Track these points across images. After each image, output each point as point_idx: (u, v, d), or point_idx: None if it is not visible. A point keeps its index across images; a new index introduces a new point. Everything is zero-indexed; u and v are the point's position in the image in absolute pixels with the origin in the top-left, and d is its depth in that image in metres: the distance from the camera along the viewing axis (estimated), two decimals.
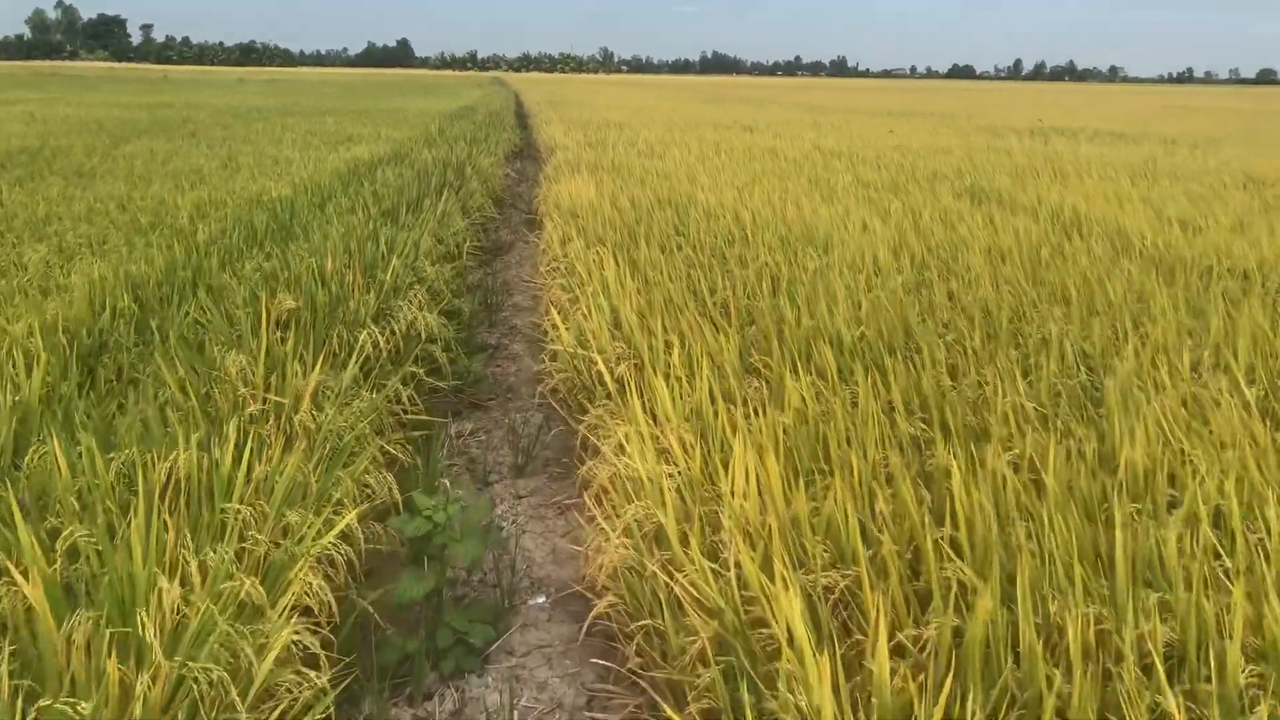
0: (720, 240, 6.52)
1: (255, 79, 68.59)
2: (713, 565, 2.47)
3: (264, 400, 3.68)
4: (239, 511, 2.78)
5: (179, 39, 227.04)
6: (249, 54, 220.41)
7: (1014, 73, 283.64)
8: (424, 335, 5.08)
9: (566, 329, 4.56)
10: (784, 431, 3.10)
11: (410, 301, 5.54)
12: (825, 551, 2.51)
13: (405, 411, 4.54)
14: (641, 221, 7.39)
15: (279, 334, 4.50)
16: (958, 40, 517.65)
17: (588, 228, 7.15)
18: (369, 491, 3.50)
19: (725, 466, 2.89)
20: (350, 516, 2.95)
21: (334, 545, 2.85)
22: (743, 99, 41.56)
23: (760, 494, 2.73)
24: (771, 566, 2.34)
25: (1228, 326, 4.21)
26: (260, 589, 2.47)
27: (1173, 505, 2.74)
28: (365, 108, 27.39)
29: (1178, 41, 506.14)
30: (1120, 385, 3.42)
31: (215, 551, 2.56)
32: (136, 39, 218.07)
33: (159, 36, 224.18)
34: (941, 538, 2.50)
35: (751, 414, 3.33)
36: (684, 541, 2.60)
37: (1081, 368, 3.73)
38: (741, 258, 5.96)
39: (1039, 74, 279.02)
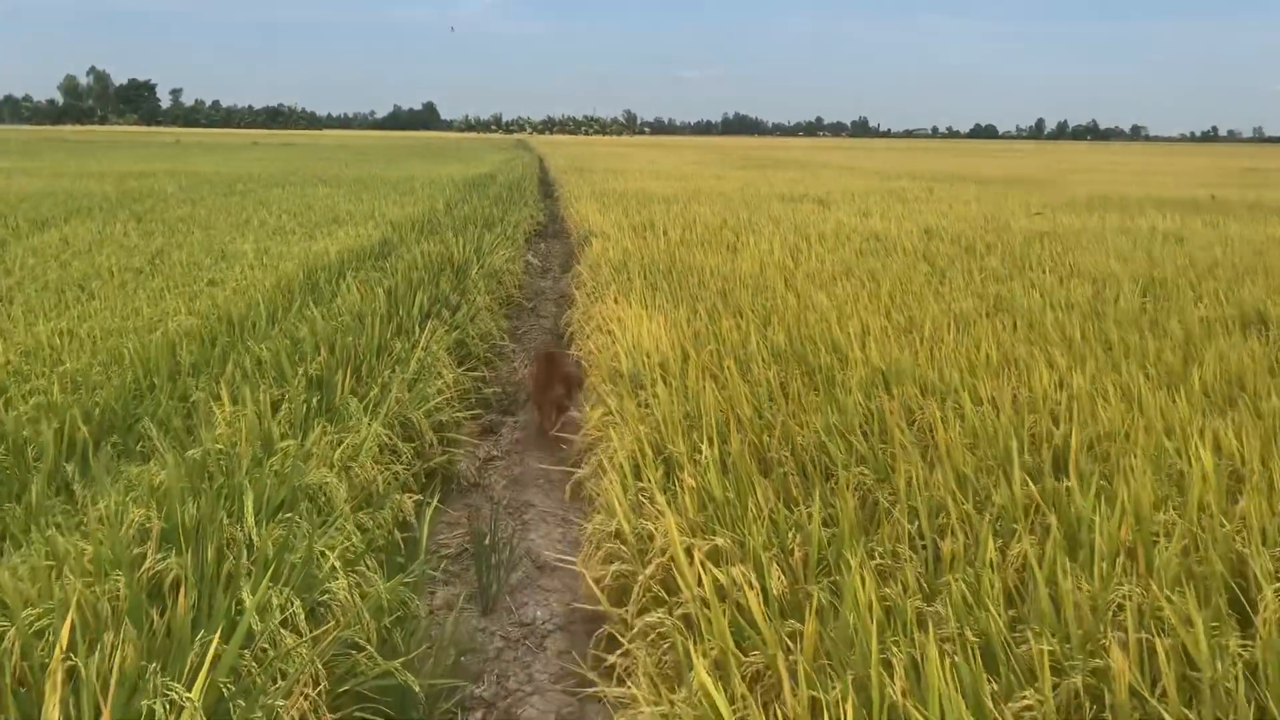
0: (980, 495, 3.08)
1: (269, 142, 66.28)
2: None
3: None
4: None
5: (208, 102, 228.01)
6: (275, 117, 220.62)
7: (1036, 132, 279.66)
8: None
9: None
10: None
11: None
12: None
13: None
14: (773, 414, 3.96)
15: None
16: (976, 99, 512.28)
17: (671, 434, 3.73)
18: None
19: None
20: None
21: None
22: (786, 162, 38.37)
23: None
24: None
25: None
26: None
27: None
28: (371, 175, 24.34)
29: (1199, 100, 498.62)
30: None
31: None
32: (166, 103, 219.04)
33: (188, 100, 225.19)
34: None
35: None
36: None
37: None
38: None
39: (1061, 133, 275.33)
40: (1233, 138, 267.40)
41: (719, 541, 2.63)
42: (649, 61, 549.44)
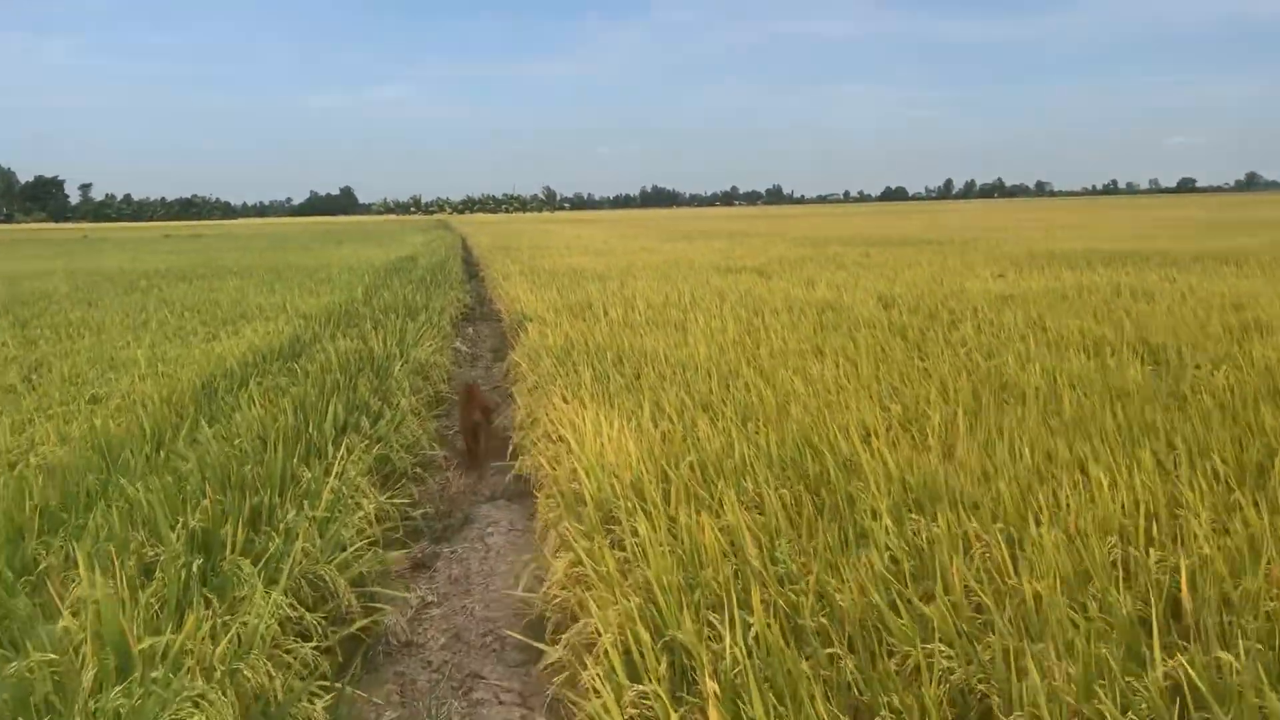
0: None
1: (181, 234, 64.48)
2: None
3: None
4: None
5: (119, 196, 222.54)
6: (189, 208, 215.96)
7: (945, 191, 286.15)
8: None
9: None
10: None
11: None
12: None
13: None
14: (790, 556, 3.08)
15: None
16: (885, 163, 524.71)
17: (669, 606, 2.82)
18: None
19: None
20: None
21: None
22: (711, 233, 38.03)
23: None
24: None
25: None
26: None
27: None
28: (287, 264, 23.22)
29: (1098, 155, 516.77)
30: None
31: None
32: (75, 199, 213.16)
33: (98, 195, 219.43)
34: None
35: None
36: None
37: None
38: None
39: (969, 192, 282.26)
40: (1131, 190, 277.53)
41: None
42: (566, 139, 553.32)
